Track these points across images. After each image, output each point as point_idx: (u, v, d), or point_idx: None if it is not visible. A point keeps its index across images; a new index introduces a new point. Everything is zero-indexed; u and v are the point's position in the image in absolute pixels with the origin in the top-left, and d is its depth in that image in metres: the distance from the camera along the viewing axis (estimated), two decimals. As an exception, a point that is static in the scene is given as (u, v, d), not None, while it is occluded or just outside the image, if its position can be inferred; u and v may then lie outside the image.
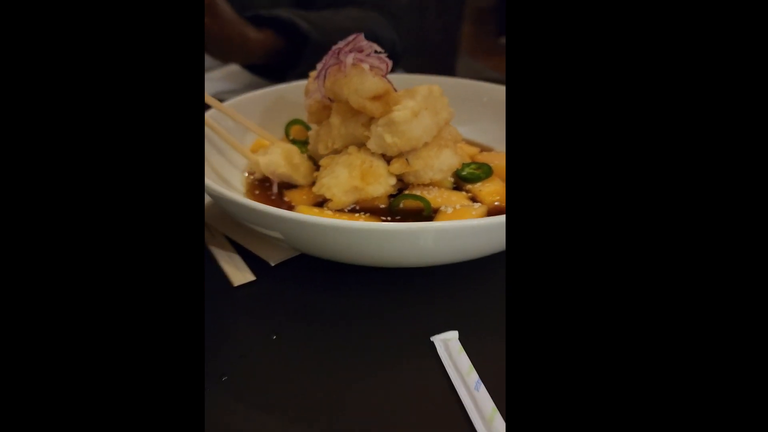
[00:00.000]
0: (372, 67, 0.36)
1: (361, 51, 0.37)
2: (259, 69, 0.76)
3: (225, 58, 0.71)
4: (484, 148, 0.48)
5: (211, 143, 0.43)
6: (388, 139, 0.37)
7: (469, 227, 0.29)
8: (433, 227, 0.29)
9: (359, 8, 0.93)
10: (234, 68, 0.83)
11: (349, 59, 0.36)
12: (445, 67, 2.52)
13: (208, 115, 0.43)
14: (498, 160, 0.44)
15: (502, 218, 0.29)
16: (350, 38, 0.38)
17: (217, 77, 0.87)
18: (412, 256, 0.32)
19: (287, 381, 0.28)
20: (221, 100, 0.69)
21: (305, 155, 0.43)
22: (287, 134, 0.49)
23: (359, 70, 0.36)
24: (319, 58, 0.74)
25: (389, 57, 1.00)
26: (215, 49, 0.67)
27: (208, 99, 0.43)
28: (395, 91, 0.38)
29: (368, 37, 0.88)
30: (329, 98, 0.40)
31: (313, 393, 0.28)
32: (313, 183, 0.40)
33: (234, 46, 0.67)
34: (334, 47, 0.38)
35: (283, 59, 0.74)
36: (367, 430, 0.26)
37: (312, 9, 0.95)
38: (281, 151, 0.41)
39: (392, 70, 1.08)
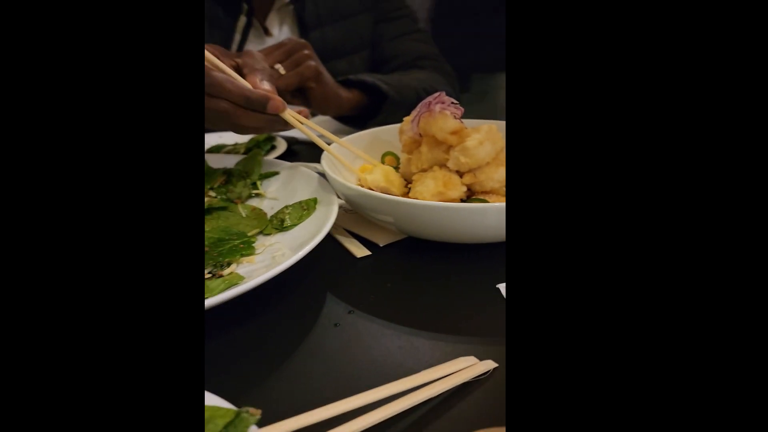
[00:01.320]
0: (451, 113, 0.54)
1: (443, 103, 0.55)
2: (345, 119, 0.97)
3: (323, 112, 0.92)
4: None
5: (334, 168, 0.62)
6: (462, 159, 0.54)
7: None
8: (495, 206, 0.45)
9: (421, 70, 1.14)
10: (325, 117, 1.05)
11: (437, 108, 0.54)
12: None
13: (332, 147, 0.62)
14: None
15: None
16: (436, 94, 0.56)
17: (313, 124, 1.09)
18: (482, 230, 0.48)
19: (400, 309, 0.44)
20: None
21: (396, 175, 0.60)
22: (382, 161, 0.68)
23: (443, 114, 0.54)
24: (392, 111, 0.94)
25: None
26: (317, 105, 0.88)
27: (332, 136, 0.62)
28: (466, 128, 0.56)
29: (430, 93, 1.08)
30: (420, 134, 0.58)
31: (421, 315, 0.43)
32: (405, 194, 0.57)
33: (331, 103, 0.88)
34: (425, 100, 0.56)
35: (365, 112, 0.94)
36: (462, 334, 0.41)
37: (382, 72, 1.17)
38: (382, 171, 0.59)
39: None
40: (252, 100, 0.58)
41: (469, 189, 0.57)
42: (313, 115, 1.07)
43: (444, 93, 0.56)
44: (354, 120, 0.96)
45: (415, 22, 1.24)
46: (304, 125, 0.62)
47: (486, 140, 0.54)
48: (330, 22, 1.14)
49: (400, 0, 1.24)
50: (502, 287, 0.46)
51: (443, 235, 0.50)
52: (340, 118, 0.97)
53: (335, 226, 0.59)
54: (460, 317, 0.43)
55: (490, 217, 0.46)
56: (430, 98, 0.56)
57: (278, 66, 0.81)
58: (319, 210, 0.53)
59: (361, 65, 1.19)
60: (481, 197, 0.56)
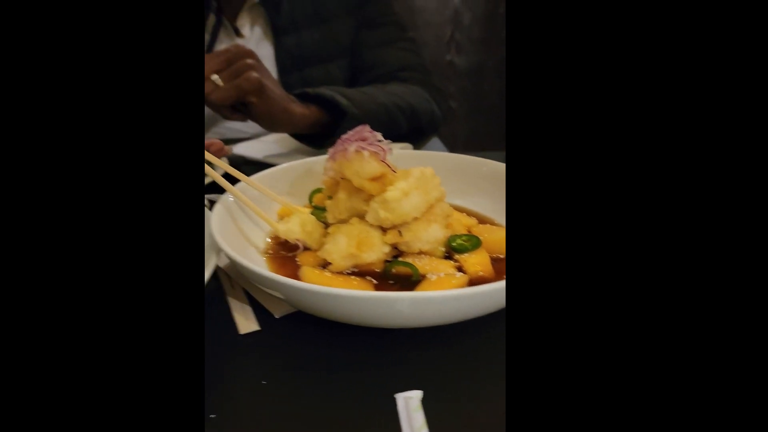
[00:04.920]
0: (372, 153, 0.43)
1: (364, 140, 0.44)
2: (301, 136, 0.87)
3: (272, 129, 0.82)
4: (481, 220, 0.53)
5: (240, 208, 0.51)
6: (381, 214, 0.43)
7: (430, 298, 0.34)
8: (402, 297, 0.34)
9: (401, 83, 1.03)
10: (283, 134, 0.95)
11: (352, 147, 0.43)
12: (502, 128, 2.57)
13: (237, 187, 0.51)
14: (488, 233, 0.48)
15: (458, 291, 0.34)
16: (358, 128, 0.45)
17: (270, 140, 0.99)
18: (389, 320, 0.37)
19: (268, 423, 0.33)
20: (271, 164, 0.79)
21: (319, 223, 0.49)
22: (310, 201, 0.57)
23: (360, 156, 0.43)
24: (352, 128, 0.83)
25: (427, 128, 1.07)
26: (263, 122, 0.77)
27: (237, 173, 0.52)
28: (394, 172, 0.45)
29: (405, 110, 0.97)
30: (340, 177, 0.47)
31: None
32: (323, 247, 0.46)
33: (280, 120, 0.77)
34: (343, 136, 0.45)
35: (322, 129, 0.84)
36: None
37: (360, 83, 1.06)
38: (298, 220, 0.48)
39: (429, 138, 1.14)
40: None
41: (396, 248, 0.45)
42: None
43: (368, 128, 0.45)
44: (310, 138, 0.85)
45: (402, 30, 1.12)
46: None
47: (414, 190, 0.43)
48: (307, 25, 1.03)
49: (386, 5, 1.12)
50: (401, 398, 0.34)
51: (342, 320, 0.39)
52: (296, 136, 0.86)
53: (233, 284, 0.48)
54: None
55: (397, 307, 0.34)
56: (349, 133, 0.45)
57: (215, 77, 0.71)
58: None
59: (340, 74, 1.08)
60: (409, 261, 0.44)
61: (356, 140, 0.43)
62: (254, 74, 0.70)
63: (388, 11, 1.12)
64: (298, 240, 0.47)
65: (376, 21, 1.09)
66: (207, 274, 0.40)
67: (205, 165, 0.50)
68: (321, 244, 0.48)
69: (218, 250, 0.43)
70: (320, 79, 1.04)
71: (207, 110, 0.98)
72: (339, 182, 0.47)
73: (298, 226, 0.48)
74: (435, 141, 1.16)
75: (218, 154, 0.74)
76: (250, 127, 1.03)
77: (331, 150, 0.46)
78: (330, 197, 0.49)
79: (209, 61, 0.71)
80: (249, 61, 0.71)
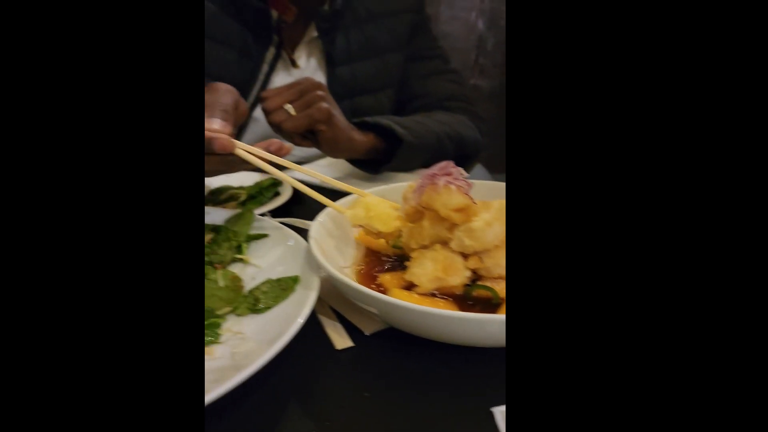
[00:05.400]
0: (458, 187, 0.47)
1: (449, 175, 0.48)
2: (358, 162, 0.92)
3: (333, 155, 0.87)
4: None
5: (326, 232, 0.55)
6: (467, 242, 0.47)
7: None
8: (495, 318, 0.38)
9: (447, 111, 1.08)
10: (336, 159, 1.00)
11: (441, 182, 0.47)
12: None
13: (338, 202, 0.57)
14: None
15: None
16: (442, 164, 0.49)
17: (323, 164, 1.05)
18: (481, 339, 0.40)
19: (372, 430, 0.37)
20: (329, 188, 0.84)
21: (386, 206, 0.55)
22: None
23: (448, 189, 0.47)
24: (409, 156, 0.88)
25: (472, 154, 1.12)
26: (327, 148, 0.83)
27: (311, 191, 0.57)
28: (475, 203, 0.49)
29: (453, 138, 1.01)
30: (423, 207, 0.51)
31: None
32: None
33: (342, 147, 0.83)
34: (430, 171, 0.49)
35: (378, 156, 0.89)
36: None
37: (406, 110, 1.11)
38: (363, 205, 0.53)
39: (473, 164, 1.19)
40: None
41: (474, 273, 0.49)
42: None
43: (452, 164, 0.49)
44: (367, 164, 0.90)
45: (447, 62, 1.18)
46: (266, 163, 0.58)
47: (496, 221, 0.47)
48: (360, 58, 1.09)
49: (433, 39, 1.19)
50: (496, 412, 0.38)
51: (435, 338, 0.43)
52: (352, 161, 0.91)
53: (321, 302, 0.52)
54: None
55: (488, 329, 0.38)
56: (435, 169, 0.49)
57: (288, 106, 0.77)
58: (299, 292, 0.47)
59: (388, 103, 1.14)
60: (488, 285, 0.48)
61: (443, 175, 0.48)
62: (324, 105, 0.76)
63: (435, 45, 1.18)
64: (366, 225, 0.53)
65: (423, 54, 1.15)
66: (313, 296, 0.44)
67: (285, 175, 0.56)
68: (388, 228, 0.53)
69: (318, 271, 0.47)
70: (370, 107, 1.10)
71: (257, 133, 1.06)
72: (422, 211, 0.52)
73: (363, 211, 0.52)
74: (478, 167, 1.20)
75: (280, 153, 0.79)
76: (298, 150, 1.08)
77: (417, 183, 0.51)
78: (410, 222, 0.54)
79: (282, 93, 0.77)
80: (320, 93, 0.76)
